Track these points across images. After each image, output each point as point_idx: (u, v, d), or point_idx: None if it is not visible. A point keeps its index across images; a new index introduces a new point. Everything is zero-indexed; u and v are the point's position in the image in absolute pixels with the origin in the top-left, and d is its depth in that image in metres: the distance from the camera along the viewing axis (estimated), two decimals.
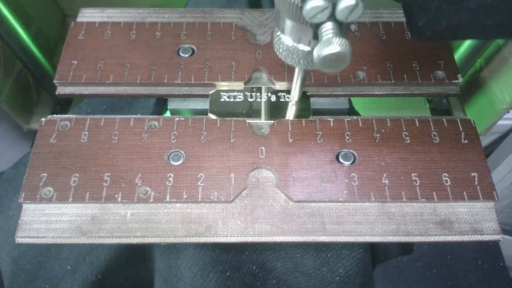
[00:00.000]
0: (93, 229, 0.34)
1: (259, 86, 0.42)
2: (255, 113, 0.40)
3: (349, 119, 0.39)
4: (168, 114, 0.45)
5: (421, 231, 0.34)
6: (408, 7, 0.28)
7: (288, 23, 0.29)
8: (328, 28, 0.27)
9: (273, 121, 0.39)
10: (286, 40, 0.30)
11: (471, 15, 0.25)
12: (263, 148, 0.37)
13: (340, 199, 0.35)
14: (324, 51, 0.26)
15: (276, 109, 0.40)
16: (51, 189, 0.35)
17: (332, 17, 0.26)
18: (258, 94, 0.41)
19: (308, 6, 0.25)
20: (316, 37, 0.28)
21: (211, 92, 0.41)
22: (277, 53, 0.32)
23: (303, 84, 0.37)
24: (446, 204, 0.35)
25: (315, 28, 0.28)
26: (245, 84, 0.41)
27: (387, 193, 0.35)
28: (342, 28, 0.27)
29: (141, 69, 0.41)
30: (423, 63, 0.42)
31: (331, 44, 0.26)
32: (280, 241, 0.34)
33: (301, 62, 0.31)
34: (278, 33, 0.31)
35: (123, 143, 0.37)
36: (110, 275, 0.45)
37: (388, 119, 0.39)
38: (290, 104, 0.39)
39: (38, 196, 0.35)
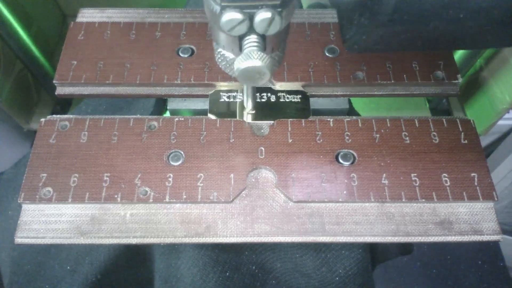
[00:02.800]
0: (93, 230, 0.34)
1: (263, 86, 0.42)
2: (258, 113, 0.40)
3: (349, 119, 0.39)
4: (167, 114, 0.45)
5: (420, 231, 0.34)
6: (339, 20, 0.28)
7: (220, 35, 0.29)
8: (250, 41, 0.26)
9: (272, 121, 0.39)
10: (224, 51, 0.30)
11: (387, 29, 0.25)
12: (263, 148, 0.37)
13: (340, 200, 0.35)
14: (243, 64, 0.26)
15: (277, 109, 0.40)
16: (50, 189, 0.35)
17: (253, 29, 0.26)
18: (258, 94, 0.41)
19: (224, 18, 0.25)
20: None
21: (210, 92, 0.41)
22: (219, 65, 0.32)
23: (254, 94, 0.37)
24: (445, 205, 0.35)
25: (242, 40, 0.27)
26: None
27: (387, 193, 0.35)
28: (269, 41, 0.27)
29: (141, 69, 0.41)
30: (423, 63, 0.42)
31: (251, 58, 0.26)
32: (279, 242, 0.34)
33: None
34: (214, 43, 0.30)
35: (122, 144, 0.37)
36: (110, 275, 0.45)
37: (388, 119, 0.39)
38: (245, 112, 0.39)
39: (37, 196, 0.35)
